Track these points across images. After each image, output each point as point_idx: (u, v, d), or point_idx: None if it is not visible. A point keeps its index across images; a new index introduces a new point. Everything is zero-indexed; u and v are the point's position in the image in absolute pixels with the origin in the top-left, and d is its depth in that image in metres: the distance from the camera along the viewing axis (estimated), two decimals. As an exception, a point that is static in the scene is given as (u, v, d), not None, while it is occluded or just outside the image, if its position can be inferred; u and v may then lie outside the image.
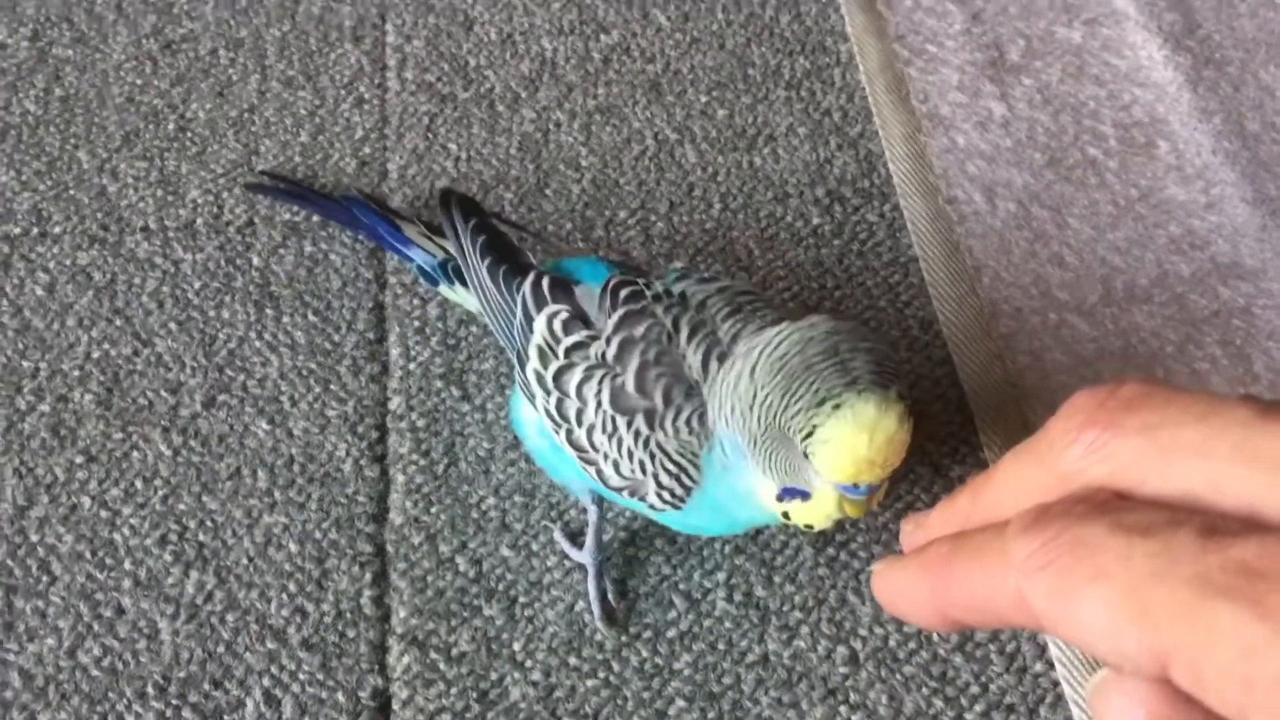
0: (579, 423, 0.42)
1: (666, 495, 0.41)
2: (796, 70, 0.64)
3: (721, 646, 0.45)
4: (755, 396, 0.37)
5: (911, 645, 0.45)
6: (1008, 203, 0.58)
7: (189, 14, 0.66)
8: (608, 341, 0.42)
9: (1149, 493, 0.23)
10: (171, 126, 0.61)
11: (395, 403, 0.51)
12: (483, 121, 0.62)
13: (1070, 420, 0.24)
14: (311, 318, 0.54)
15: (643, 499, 0.42)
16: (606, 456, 0.42)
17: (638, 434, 0.41)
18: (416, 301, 0.54)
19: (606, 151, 0.61)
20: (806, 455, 0.37)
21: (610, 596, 0.46)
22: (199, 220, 0.57)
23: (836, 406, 0.36)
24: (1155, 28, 0.65)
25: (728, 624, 0.46)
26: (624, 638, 0.45)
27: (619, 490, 0.43)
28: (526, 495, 0.49)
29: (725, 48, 0.65)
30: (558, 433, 0.43)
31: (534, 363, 0.43)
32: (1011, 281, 0.56)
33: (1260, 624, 0.18)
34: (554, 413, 0.43)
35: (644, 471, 0.41)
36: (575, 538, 0.48)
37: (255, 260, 0.56)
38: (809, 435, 0.36)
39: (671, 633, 0.46)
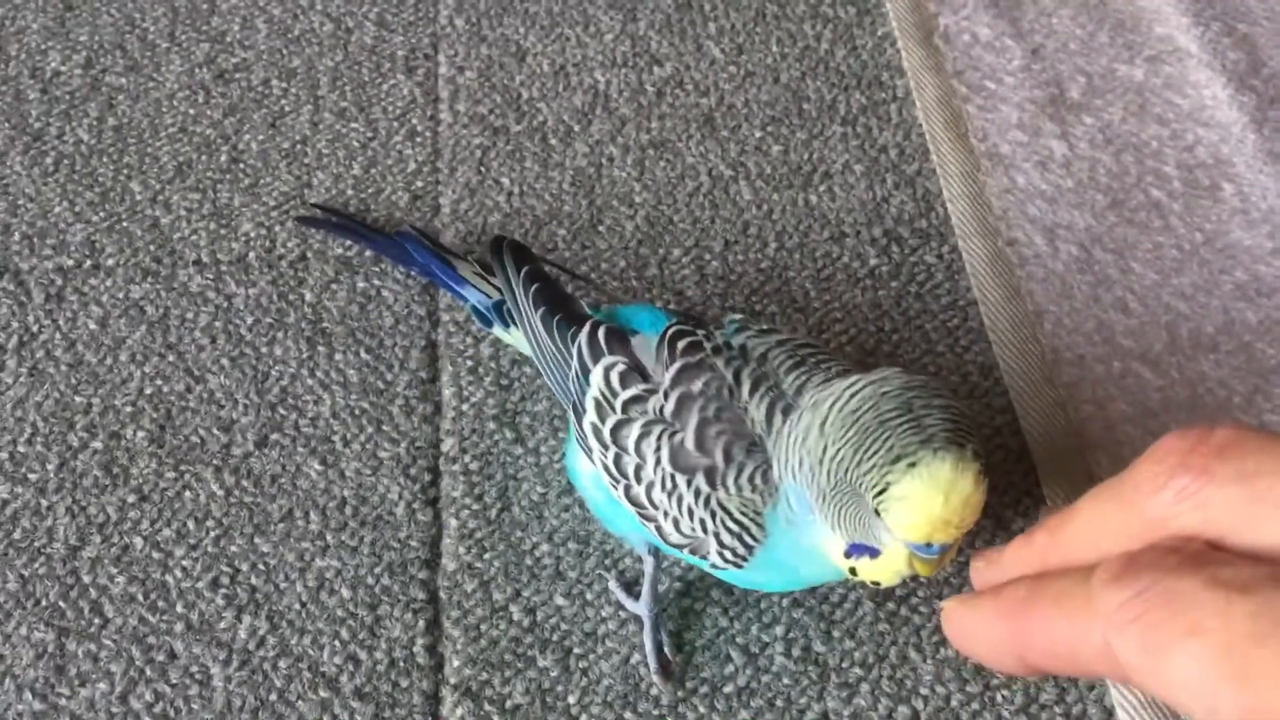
0: (638, 479, 0.41)
1: (728, 554, 0.41)
2: (852, 106, 0.64)
3: (780, 704, 0.44)
4: (826, 451, 0.37)
5: (974, 706, 0.44)
6: (1069, 245, 0.57)
7: (241, 43, 0.65)
8: (665, 396, 0.41)
9: (1242, 544, 0.22)
10: (224, 158, 0.60)
11: (448, 444, 0.51)
12: (535, 155, 0.61)
13: (1160, 464, 0.23)
14: (364, 355, 0.53)
15: (704, 557, 0.42)
16: (666, 514, 0.41)
17: (698, 492, 0.40)
18: (469, 340, 0.54)
19: (660, 187, 0.60)
20: (878, 513, 0.36)
21: (666, 649, 0.45)
22: (251, 254, 0.57)
23: (912, 465, 0.35)
24: (1219, 66, 0.64)
25: (786, 680, 0.45)
26: (680, 693, 0.45)
27: (679, 548, 0.42)
28: (581, 542, 0.48)
29: (780, 81, 0.65)
30: (615, 488, 0.43)
31: (591, 416, 0.43)
32: (1074, 328, 0.55)
33: None
34: (612, 468, 0.42)
35: (705, 530, 0.41)
36: (630, 587, 0.47)
37: (308, 296, 0.55)
38: (882, 493, 0.35)
39: (729, 688, 0.45)
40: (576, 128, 0.62)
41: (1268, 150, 0.61)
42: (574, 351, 0.44)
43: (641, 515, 0.42)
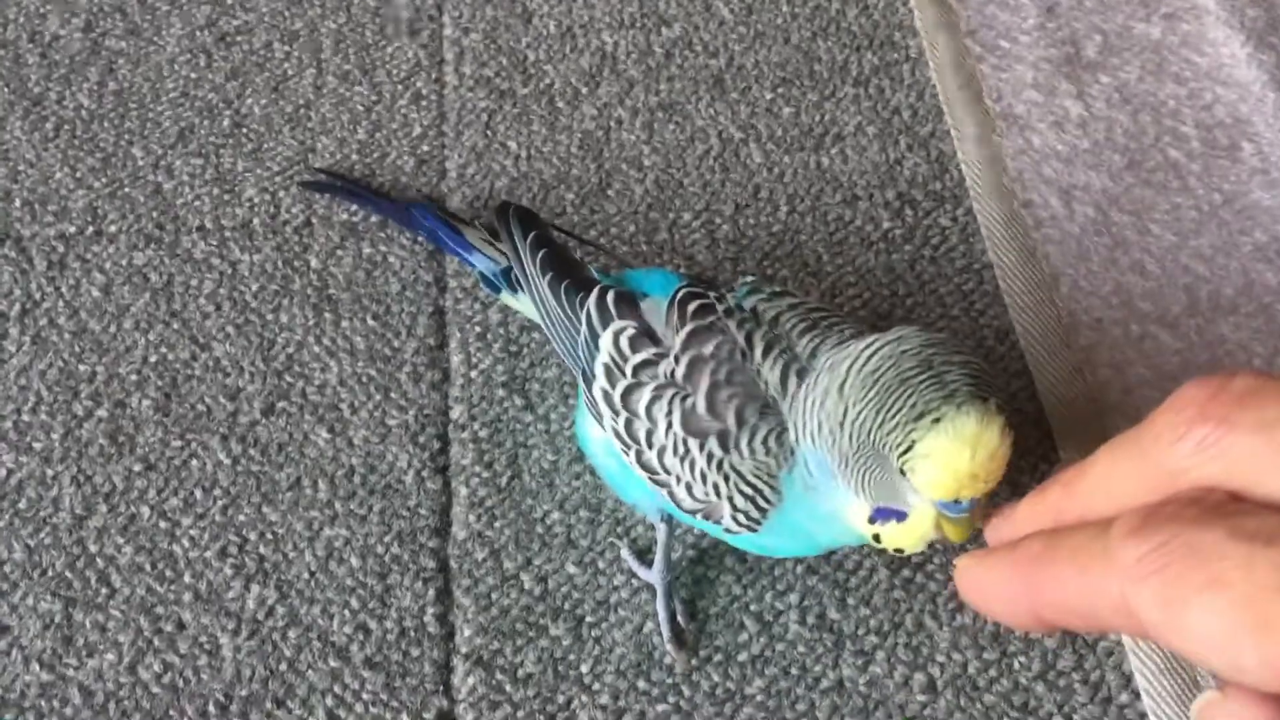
0: (649, 444, 0.41)
1: (742, 518, 0.40)
2: (864, 66, 0.62)
3: (795, 671, 0.44)
4: (846, 414, 0.36)
5: (992, 673, 0.44)
6: (1086, 207, 0.56)
7: (243, 5, 0.64)
8: (676, 360, 0.40)
9: (1264, 494, 0.21)
10: (227, 122, 0.60)
11: (457, 412, 0.50)
12: (542, 118, 0.60)
13: (1180, 414, 0.22)
14: (371, 322, 0.53)
15: (717, 522, 0.41)
16: (679, 479, 0.41)
17: (710, 456, 0.40)
18: (477, 306, 0.53)
19: (670, 150, 0.59)
20: (903, 472, 0.35)
21: (680, 618, 0.45)
22: (256, 220, 0.56)
23: (936, 420, 0.35)
24: (1237, 24, 0.63)
25: (800, 648, 0.44)
26: (694, 661, 0.44)
27: (692, 513, 0.41)
28: (592, 510, 0.48)
29: (790, 42, 0.64)
30: (627, 454, 0.42)
31: (600, 381, 0.42)
32: (1091, 290, 0.54)
33: None
34: (623, 433, 0.42)
35: (718, 494, 0.40)
36: (643, 555, 0.46)
37: (313, 262, 0.55)
38: (907, 451, 0.35)
39: (743, 656, 0.44)
40: (584, 90, 0.61)
41: (1288, 109, 0.59)
42: (582, 317, 0.43)
43: (654, 481, 0.42)
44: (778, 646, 0.44)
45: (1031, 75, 0.62)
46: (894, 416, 0.35)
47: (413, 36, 0.63)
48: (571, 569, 0.46)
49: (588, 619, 0.45)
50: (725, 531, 0.42)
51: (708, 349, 0.40)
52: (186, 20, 0.64)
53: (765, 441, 0.39)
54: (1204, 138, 0.59)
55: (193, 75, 0.61)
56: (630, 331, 0.41)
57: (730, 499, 0.40)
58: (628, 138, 0.59)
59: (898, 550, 0.39)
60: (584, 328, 0.43)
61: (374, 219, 0.56)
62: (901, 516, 0.37)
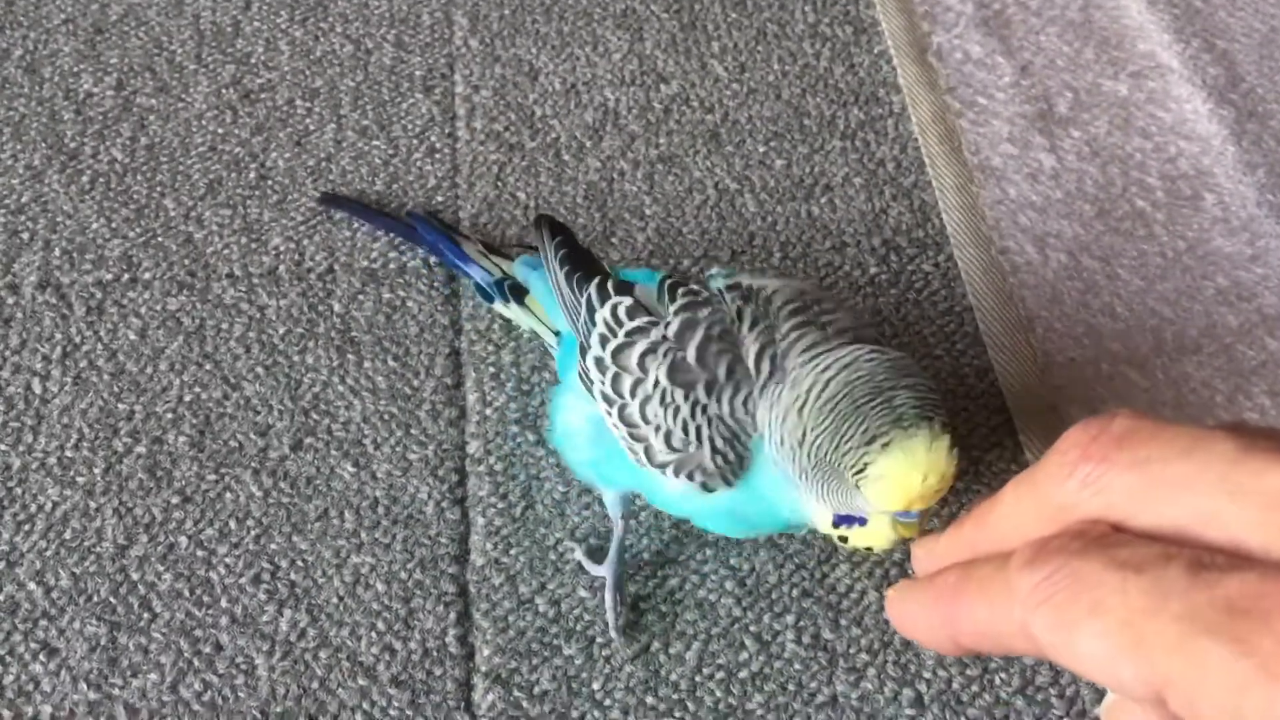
0: (633, 395, 0.44)
1: (720, 460, 0.43)
2: (851, 121, 0.67)
3: (792, 687, 0.47)
4: (805, 436, 0.40)
5: (974, 688, 0.47)
6: (1059, 254, 0.60)
7: (266, 64, 0.68)
8: (667, 325, 0.44)
9: (1142, 525, 0.24)
10: (253, 175, 0.63)
11: (473, 446, 0.54)
12: (550, 170, 0.64)
13: (1066, 455, 0.25)
14: (391, 363, 0.56)
15: (690, 476, 0.44)
16: (659, 429, 0.44)
17: (695, 403, 0.43)
18: (491, 348, 0.57)
19: (669, 200, 0.63)
20: (858, 488, 0.39)
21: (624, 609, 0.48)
22: (281, 267, 0.60)
23: (886, 444, 0.39)
24: (1200, 81, 0.67)
25: (797, 665, 0.48)
26: (698, 677, 0.47)
27: (663, 467, 0.44)
28: (601, 538, 0.51)
29: (781, 98, 0.68)
30: (609, 413, 0.45)
31: (594, 350, 0.46)
32: (1064, 332, 0.58)
33: (1246, 661, 0.20)
34: (609, 390, 0.45)
35: (699, 439, 0.43)
36: (595, 554, 0.50)
37: (336, 306, 0.58)
38: (860, 472, 0.39)
39: (743, 674, 0.48)
40: (588, 144, 0.65)
41: (1246, 161, 0.64)
42: (584, 299, 0.47)
43: (632, 436, 0.45)
44: (776, 664, 0.48)
45: (1007, 130, 0.66)
46: (848, 441, 0.39)
47: (426, 93, 0.67)
48: (583, 593, 0.50)
49: (598, 639, 0.48)
50: (702, 486, 0.44)
51: (701, 314, 0.44)
52: (213, 79, 0.67)
53: (745, 402, 0.43)
54: (1169, 188, 0.63)
55: (220, 130, 0.65)
56: (628, 303, 0.46)
57: (711, 440, 0.43)
58: (630, 188, 0.63)
59: (868, 549, 0.43)
60: (583, 310, 0.47)
61: (393, 265, 0.60)
62: (863, 522, 0.41)
